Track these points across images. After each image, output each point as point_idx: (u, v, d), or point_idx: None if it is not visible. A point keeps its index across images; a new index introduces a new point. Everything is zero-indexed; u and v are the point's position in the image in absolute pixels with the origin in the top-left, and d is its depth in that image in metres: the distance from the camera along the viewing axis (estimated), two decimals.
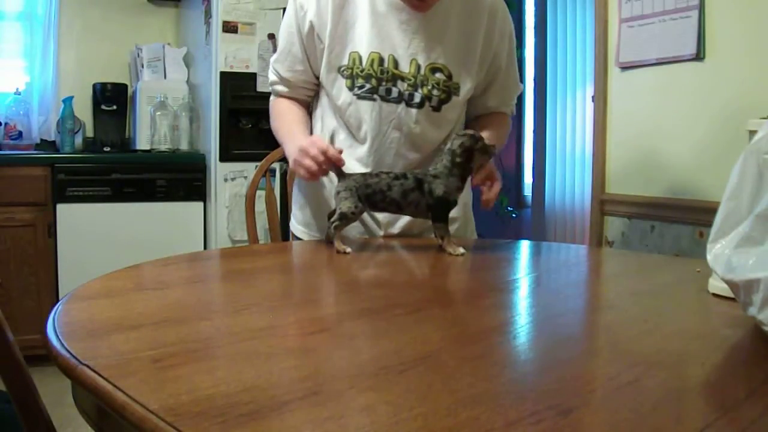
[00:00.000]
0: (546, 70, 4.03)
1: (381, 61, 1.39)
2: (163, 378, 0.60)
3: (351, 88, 1.41)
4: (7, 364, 0.81)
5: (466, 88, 1.44)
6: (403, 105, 1.41)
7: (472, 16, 1.43)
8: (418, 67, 1.40)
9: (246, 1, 3.05)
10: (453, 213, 1.32)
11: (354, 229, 1.47)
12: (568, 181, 4.12)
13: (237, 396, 0.55)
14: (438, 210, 1.26)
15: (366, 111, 1.41)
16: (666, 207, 2.16)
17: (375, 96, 1.40)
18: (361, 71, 1.39)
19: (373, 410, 0.55)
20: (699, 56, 2.01)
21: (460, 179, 1.26)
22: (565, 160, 4.13)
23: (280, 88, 1.53)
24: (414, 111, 1.41)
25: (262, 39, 3.10)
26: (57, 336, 0.69)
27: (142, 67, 3.33)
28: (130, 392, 0.55)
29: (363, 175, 1.29)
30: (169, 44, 3.44)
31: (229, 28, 3.03)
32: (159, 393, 0.55)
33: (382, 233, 1.47)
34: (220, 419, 0.51)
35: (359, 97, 1.41)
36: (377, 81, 1.39)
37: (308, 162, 1.27)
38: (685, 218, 2.08)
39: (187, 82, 3.36)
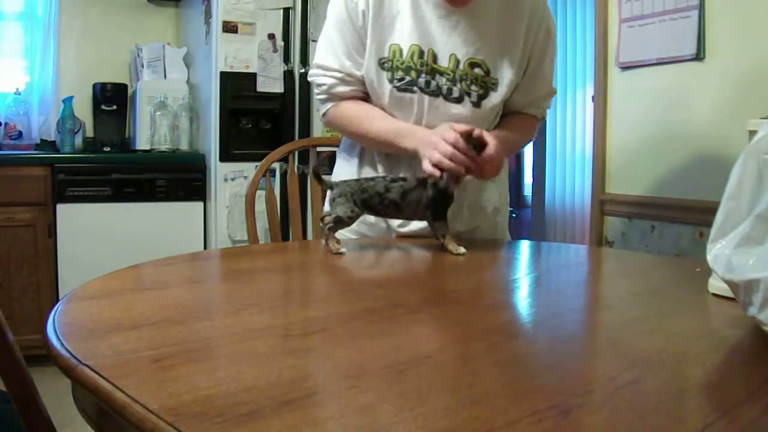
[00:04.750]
0: None
1: (421, 53, 1.38)
2: (163, 378, 0.60)
3: (391, 81, 1.40)
4: (7, 364, 0.81)
5: (505, 83, 1.42)
6: (441, 99, 1.40)
7: (512, 12, 1.42)
8: (457, 62, 1.39)
9: (246, 1, 3.05)
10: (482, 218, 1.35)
11: (370, 231, 1.47)
12: (568, 181, 4.12)
13: (237, 396, 0.55)
14: (437, 206, 1.25)
15: (406, 103, 1.40)
16: (666, 207, 2.16)
17: (414, 88, 1.39)
18: (401, 63, 1.38)
19: (373, 410, 0.55)
20: (699, 56, 2.01)
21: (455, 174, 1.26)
22: (565, 160, 4.14)
23: (341, 89, 1.43)
24: (452, 105, 1.40)
25: (262, 39, 3.10)
26: (57, 336, 0.69)
27: (142, 67, 3.33)
28: (130, 392, 0.55)
29: (357, 180, 1.28)
30: (169, 44, 3.44)
31: (229, 28, 3.03)
32: (159, 393, 0.55)
33: (393, 236, 1.47)
34: (220, 419, 0.51)
35: (399, 89, 1.40)
36: (416, 73, 1.38)
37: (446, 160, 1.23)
38: (685, 218, 2.08)
39: (187, 82, 3.36)
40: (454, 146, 1.23)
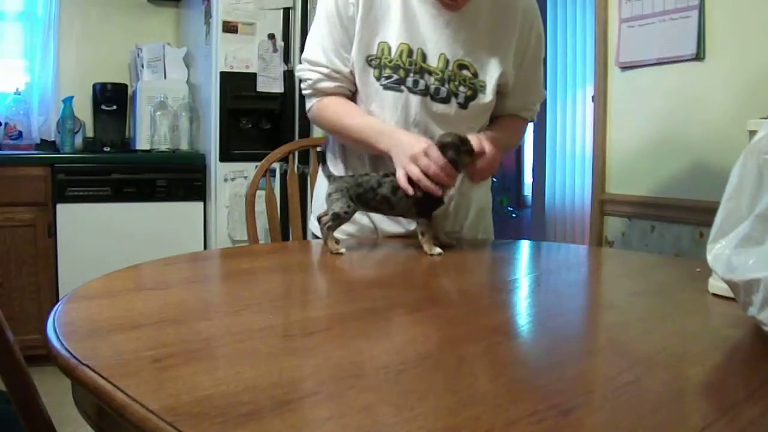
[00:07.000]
0: (546, 70, 4.03)
1: (410, 52, 1.38)
2: (163, 378, 0.60)
3: (378, 78, 1.39)
4: (7, 364, 0.81)
5: (491, 86, 1.42)
6: (428, 98, 1.39)
7: (503, 16, 1.42)
8: (447, 62, 1.38)
9: (246, 1, 3.05)
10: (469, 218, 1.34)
11: (358, 232, 1.47)
12: (568, 181, 4.12)
13: (237, 396, 0.55)
14: (424, 204, 1.25)
15: (392, 101, 1.39)
16: (666, 207, 2.16)
17: (402, 87, 1.38)
18: (389, 61, 1.38)
19: (373, 410, 0.55)
20: (699, 56, 2.01)
21: None
22: (565, 160, 4.13)
23: (326, 85, 1.42)
24: (438, 105, 1.39)
25: (262, 39, 3.10)
26: (57, 336, 0.69)
27: (142, 67, 3.33)
28: (130, 392, 0.55)
29: (353, 176, 1.29)
30: (169, 44, 3.44)
31: (229, 28, 3.03)
32: (159, 393, 0.55)
33: (380, 236, 1.47)
34: (220, 419, 0.51)
35: (385, 87, 1.39)
36: (405, 72, 1.38)
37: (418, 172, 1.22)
38: (685, 218, 2.08)
39: (187, 82, 3.36)
40: (436, 164, 1.22)
